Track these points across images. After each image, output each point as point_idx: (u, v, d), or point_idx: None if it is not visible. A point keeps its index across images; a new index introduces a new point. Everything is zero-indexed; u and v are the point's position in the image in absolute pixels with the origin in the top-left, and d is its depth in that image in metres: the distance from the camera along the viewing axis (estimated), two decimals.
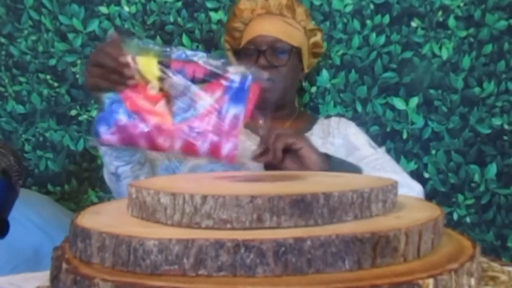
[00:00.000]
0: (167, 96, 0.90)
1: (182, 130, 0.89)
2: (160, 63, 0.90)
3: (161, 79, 0.90)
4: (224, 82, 0.90)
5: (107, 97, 0.92)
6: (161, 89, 0.90)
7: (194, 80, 0.90)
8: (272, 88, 1.17)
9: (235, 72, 0.90)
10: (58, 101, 1.57)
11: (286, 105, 1.29)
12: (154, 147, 0.92)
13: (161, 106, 0.90)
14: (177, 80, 0.89)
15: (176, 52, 0.91)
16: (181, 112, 0.90)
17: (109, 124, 0.91)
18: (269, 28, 1.26)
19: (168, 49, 0.91)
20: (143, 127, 0.90)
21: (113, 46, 0.91)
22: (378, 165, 1.14)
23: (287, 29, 1.27)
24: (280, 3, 1.29)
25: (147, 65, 0.90)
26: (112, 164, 1.07)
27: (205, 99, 0.89)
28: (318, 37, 1.35)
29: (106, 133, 0.92)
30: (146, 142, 0.91)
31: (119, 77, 0.90)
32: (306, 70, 1.36)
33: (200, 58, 0.90)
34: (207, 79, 0.90)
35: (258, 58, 1.21)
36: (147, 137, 0.90)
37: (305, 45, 1.32)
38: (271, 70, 1.21)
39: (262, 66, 1.20)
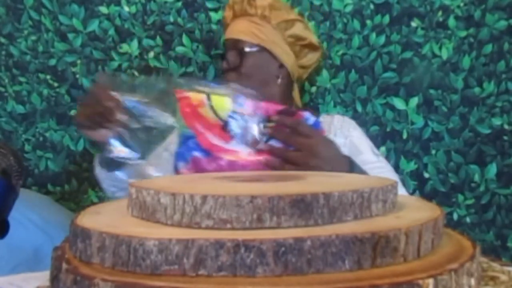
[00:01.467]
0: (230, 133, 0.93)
1: (257, 162, 0.92)
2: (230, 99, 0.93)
3: (226, 119, 0.92)
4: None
5: (181, 133, 0.95)
6: (223, 128, 0.92)
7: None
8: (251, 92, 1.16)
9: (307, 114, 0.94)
10: (58, 101, 1.57)
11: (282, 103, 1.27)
12: None
13: (234, 144, 0.92)
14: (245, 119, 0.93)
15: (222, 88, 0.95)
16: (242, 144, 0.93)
17: (186, 160, 0.94)
18: (231, 30, 1.23)
19: (217, 85, 0.95)
20: (216, 165, 0.92)
21: (99, 87, 0.93)
22: (378, 173, 1.13)
23: (249, 28, 1.21)
24: (242, 2, 1.24)
25: (220, 103, 0.93)
26: None
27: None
28: (296, 28, 1.25)
29: (183, 168, 0.95)
30: None
31: (101, 119, 0.93)
32: (289, 65, 1.26)
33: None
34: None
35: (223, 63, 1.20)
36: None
37: (277, 39, 1.23)
38: (233, 73, 1.18)
39: (225, 70, 1.19)
